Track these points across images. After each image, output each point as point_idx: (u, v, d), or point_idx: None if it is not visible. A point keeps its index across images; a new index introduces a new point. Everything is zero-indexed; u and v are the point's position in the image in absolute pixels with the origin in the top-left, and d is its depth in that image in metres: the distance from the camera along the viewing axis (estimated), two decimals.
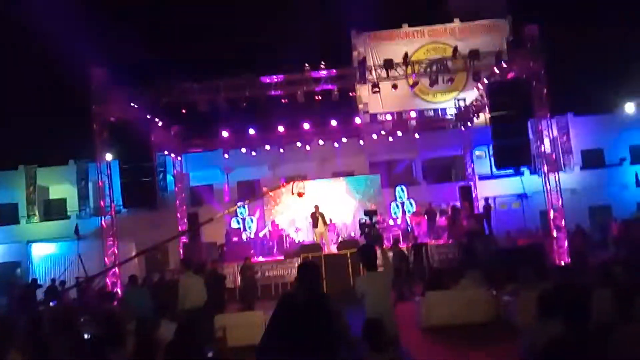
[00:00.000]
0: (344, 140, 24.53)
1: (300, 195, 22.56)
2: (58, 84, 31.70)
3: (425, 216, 21.32)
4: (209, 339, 9.08)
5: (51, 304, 15.82)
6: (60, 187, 29.88)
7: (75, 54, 22.32)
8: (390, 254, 16.69)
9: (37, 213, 28.75)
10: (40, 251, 23.66)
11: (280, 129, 23.11)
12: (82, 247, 21.84)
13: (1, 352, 5.57)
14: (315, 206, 20.86)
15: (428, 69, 20.29)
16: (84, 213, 28.26)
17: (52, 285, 18.92)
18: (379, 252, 6.76)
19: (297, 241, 21.89)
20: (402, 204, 24.01)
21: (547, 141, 18.35)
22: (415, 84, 21.11)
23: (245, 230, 23.39)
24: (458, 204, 22.75)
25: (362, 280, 6.49)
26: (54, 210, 29.96)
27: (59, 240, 24.54)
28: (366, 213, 21.03)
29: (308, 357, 4.12)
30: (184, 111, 19.14)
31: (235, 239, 22.17)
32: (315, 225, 20.68)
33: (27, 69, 33.02)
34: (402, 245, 18.75)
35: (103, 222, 18.01)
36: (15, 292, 17.67)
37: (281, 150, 24.69)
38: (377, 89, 19.44)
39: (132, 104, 18.08)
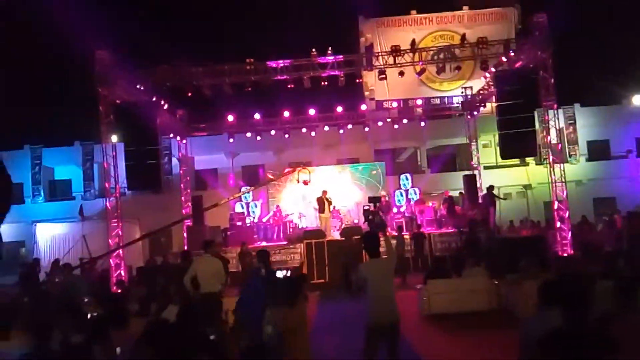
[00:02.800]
0: (349, 126, 24.45)
1: (305, 183, 22.58)
2: (65, 65, 31.69)
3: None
4: (211, 322, 9.12)
5: (57, 279, 15.92)
6: (66, 168, 30.01)
7: (83, 35, 22.22)
8: (394, 241, 16.80)
9: (42, 193, 28.88)
10: (45, 231, 23.68)
11: (286, 114, 23.11)
12: (87, 228, 21.89)
13: (6, 331, 5.58)
14: (324, 191, 20.72)
15: (435, 57, 20.15)
16: (88, 194, 28.39)
17: (55, 264, 18.98)
18: (382, 239, 6.79)
19: (300, 227, 21.93)
20: (407, 192, 24.01)
21: (553, 132, 18.23)
22: (422, 71, 20.89)
23: (249, 215, 23.43)
24: (458, 193, 22.73)
25: (365, 266, 6.53)
26: (59, 190, 30.10)
27: (64, 220, 24.61)
28: (370, 200, 21.17)
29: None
30: (189, 94, 19.10)
31: (239, 223, 22.17)
32: (322, 210, 20.56)
33: (35, 50, 32.99)
34: (405, 233, 18.84)
35: (107, 204, 18.03)
36: (18, 272, 17.75)
37: (286, 136, 24.61)
38: (384, 76, 19.32)
39: (137, 87, 18.07)
